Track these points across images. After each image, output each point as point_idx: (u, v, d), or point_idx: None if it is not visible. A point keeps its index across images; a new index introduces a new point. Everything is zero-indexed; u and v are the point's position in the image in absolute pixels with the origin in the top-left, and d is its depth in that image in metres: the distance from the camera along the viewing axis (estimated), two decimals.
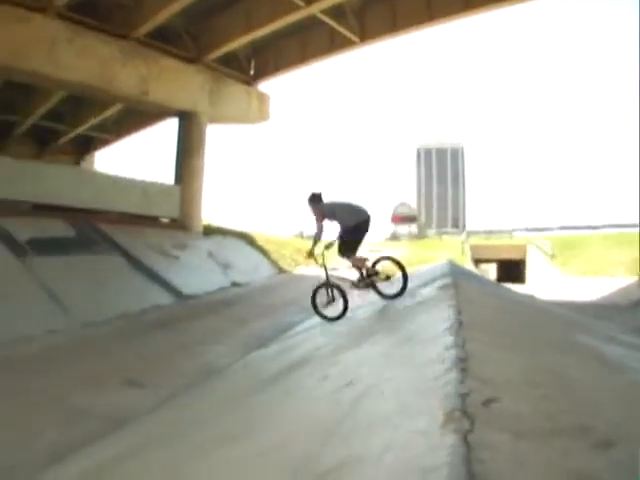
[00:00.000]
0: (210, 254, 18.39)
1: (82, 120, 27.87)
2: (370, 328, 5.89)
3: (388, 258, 7.59)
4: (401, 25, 17.69)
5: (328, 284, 7.79)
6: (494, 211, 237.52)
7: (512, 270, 37.45)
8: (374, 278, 7.42)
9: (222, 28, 19.09)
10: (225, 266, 17.84)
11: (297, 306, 12.84)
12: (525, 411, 2.05)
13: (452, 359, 2.64)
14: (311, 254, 7.74)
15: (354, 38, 18.37)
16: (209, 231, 21.25)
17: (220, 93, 21.35)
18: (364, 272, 7.51)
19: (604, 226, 38.41)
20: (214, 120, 22.13)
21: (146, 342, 9.94)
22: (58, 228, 15.01)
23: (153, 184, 20.24)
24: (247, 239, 22.48)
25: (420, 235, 66.92)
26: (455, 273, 9.64)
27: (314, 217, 7.64)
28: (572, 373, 3.10)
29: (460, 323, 3.66)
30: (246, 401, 4.73)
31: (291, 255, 23.66)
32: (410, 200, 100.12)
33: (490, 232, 50.54)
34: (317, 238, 7.66)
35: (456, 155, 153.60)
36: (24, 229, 13.79)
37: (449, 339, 3.20)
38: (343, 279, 7.80)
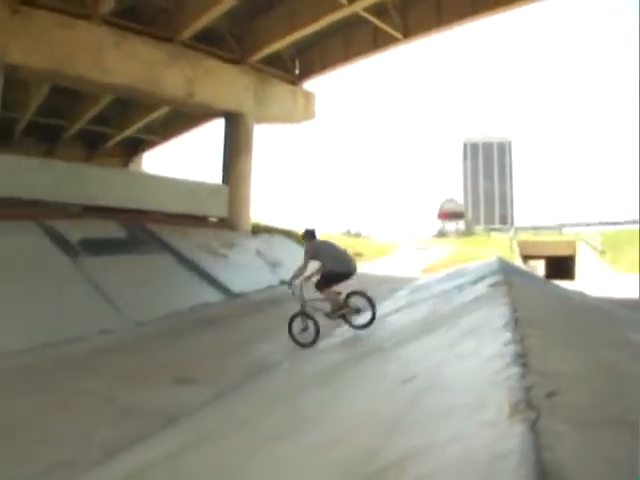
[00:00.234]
0: (258, 252, 18.47)
1: (129, 123, 28.28)
2: (426, 325, 5.88)
3: (358, 293, 8.07)
4: (445, 20, 17.40)
5: (303, 314, 8.33)
6: (543, 206, 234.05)
7: (561, 266, 36.68)
8: (346, 310, 8.05)
9: (266, 29, 19.17)
10: (273, 264, 17.90)
11: None
12: (583, 404, 2.10)
13: (512, 354, 2.70)
14: (290, 284, 8.33)
15: (397, 35, 18.23)
16: (257, 230, 21.36)
17: (265, 93, 21.45)
18: (336, 305, 8.11)
19: None
20: (260, 120, 22.19)
21: (196, 340, 10.04)
22: (109, 229, 15.28)
23: (201, 184, 20.51)
24: (295, 237, 22.49)
25: (467, 232, 66.22)
26: (505, 270, 9.58)
27: (306, 253, 8.33)
28: (626, 368, 3.13)
29: (516, 320, 3.66)
30: (298, 398, 4.75)
31: None
32: (457, 196, 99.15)
33: (538, 228, 49.86)
34: (299, 272, 8.22)
35: (503, 149, 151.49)
36: (75, 230, 14.06)
37: (507, 335, 3.25)
38: (318, 309, 8.31)
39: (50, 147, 30.63)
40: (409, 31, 18.12)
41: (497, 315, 4.18)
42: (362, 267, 22.54)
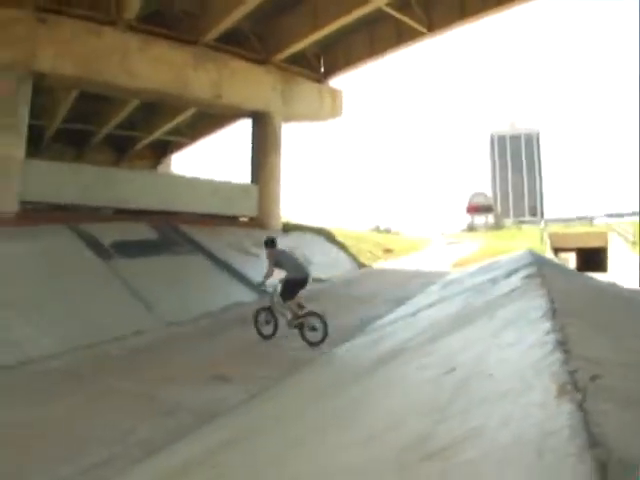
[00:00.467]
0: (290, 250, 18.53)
1: (157, 126, 28.66)
2: (462, 319, 5.89)
3: (313, 313, 9.31)
4: (469, 12, 17.34)
5: (269, 310, 9.84)
6: (572, 198, 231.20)
7: (593, 258, 36.25)
8: (303, 321, 9.32)
9: (288, 28, 19.36)
10: (305, 262, 17.97)
11: (379, 299, 12.90)
12: (625, 386, 2.19)
13: (553, 342, 2.77)
14: (263, 284, 9.84)
15: (421, 29, 18.23)
16: (288, 228, 21.58)
17: (292, 92, 21.67)
18: (295, 316, 9.43)
19: None
20: (287, 119, 22.42)
21: (231, 338, 10.22)
22: (140, 231, 15.55)
23: (231, 184, 20.84)
24: (326, 235, 22.59)
25: (497, 225, 65.82)
26: (538, 263, 9.54)
27: (267, 259, 9.94)
28: None
29: (554, 311, 3.68)
30: (339, 393, 4.77)
31: (370, 249, 23.68)
32: (485, 189, 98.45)
33: (569, 220, 49.33)
34: (266, 277, 9.75)
35: (531, 141, 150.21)
36: (108, 233, 14.36)
37: (546, 325, 3.30)
38: (281, 314, 9.72)
39: (78, 152, 31.15)
40: (433, 25, 18.13)
41: (534, 307, 4.22)
42: (393, 263, 22.67)
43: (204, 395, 6.74)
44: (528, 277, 6.75)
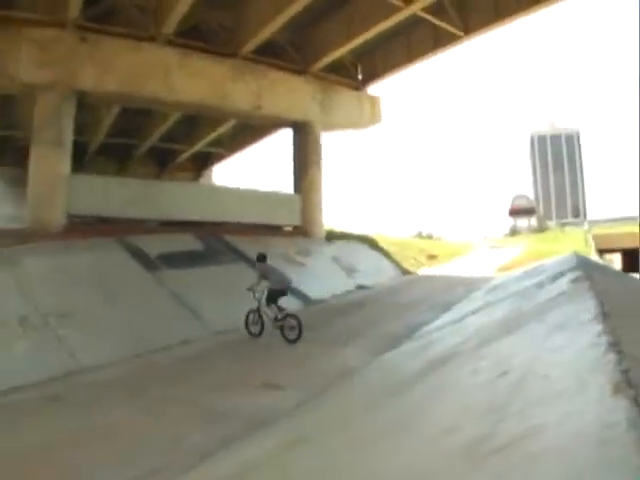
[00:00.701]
0: (334, 259, 18.76)
1: (198, 138, 28.99)
2: (510, 323, 5.89)
3: (292, 315, 10.96)
4: (504, 14, 17.12)
5: (257, 312, 11.39)
6: (617, 197, 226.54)
7: (639, 259, 35.51)
8: (283, 323, 10.89)
9: (325, 38, 19.50)
10: (349, 270, 18.08)
11: (425, 306, 12.87)
12: None
13: (605, 344, 2.84)
14: (251, 289, 11.32)
15: (458, 32, 18.14)
16: (331, 236, 21.67)
17: (331, 101, 21.78)
18: (276, 317, 11.06)
19: None
20: (328, 127, 22.56)
21: (278, 346, 10.37)
22: (186, 242, 15.78)
23: (274, 194, 21.08)
24: (369, 242, 22.61)
25: (540, 227, 64.92)
26: (584, 266, 9.43)
27: (258, 271, 11.67)
28: None
29: (604, 313, 3.70)
30: (396, 396, 4.81)
31: (414, 256, 23.66)
32: (527, 191, 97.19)
33: (613, 220, 48.44)
34: (253, 285, 11.33)
35: (571, 140, 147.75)
36: (154, 245, 14.64)
37: (598, 327, 3.36)
38: (268, 314, 11.27)
39: (121, 165, 31.76)
40: (469, 28, 18.02)
41: (583, 310, 4.25)
42: (437, 269, 22.59)
43: (254, 402, 6.83)
44: (575, 281, 6.70)
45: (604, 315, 3.66)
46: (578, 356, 2.98)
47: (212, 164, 35.62)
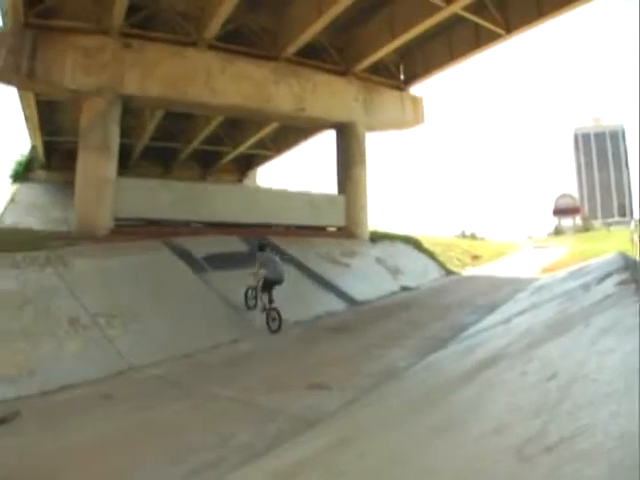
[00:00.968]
0: (378, 260, 18.80)
1: (241, 140, 29.31)
2: (556, 326, 5.88)
3: (274, 309, 11.89)
4: (546, 10, 16.81)
5: (255, 289, 12.46)
6: None
7: None
8: (269, 314, 11.93)
9: (366, 39, 19.59)
10: (394, 271, 18.08)
11: (470, 307, 12.81)
12: None
13: None
14: (254, 274, 12.30)
15: (499, 31, 17.96)
16: (376, 237, 21.60)
17: (373, 102, 21.85)
18: (265, 307, 12.07)
19: None
20: (371, 128, 22.56)
21: (324, 347, 10.39)
22: (231, 244, 16.02)
23: (318, 195, 21.20)
24: (413, 243, 22.51)
25: (585, 227, 63.86)
26: (631, 267, 9.29)
27: (257, 260, 12.45)
28: None
29: None
30: (445, 396, 4.84)
31: (458, 256, 23.48)
32: (571, 189, 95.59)
33: None
34: (254, 273, 12.30)
35: (616, 137, 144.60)
36: (200, 247, 14.90)
37: None
38: (261, 298, 12.30)
39: (165, 168, 32.29)
40: (510, 26, 17.81)
41: (630, 314, 4.27)
42: (481, 270, 22.43)
43: (302, 402, 6.86)
44: (622, 283, 6.63)
45: None
46: (625, 360, 3.04)
47: (256, 166, 35.97)
